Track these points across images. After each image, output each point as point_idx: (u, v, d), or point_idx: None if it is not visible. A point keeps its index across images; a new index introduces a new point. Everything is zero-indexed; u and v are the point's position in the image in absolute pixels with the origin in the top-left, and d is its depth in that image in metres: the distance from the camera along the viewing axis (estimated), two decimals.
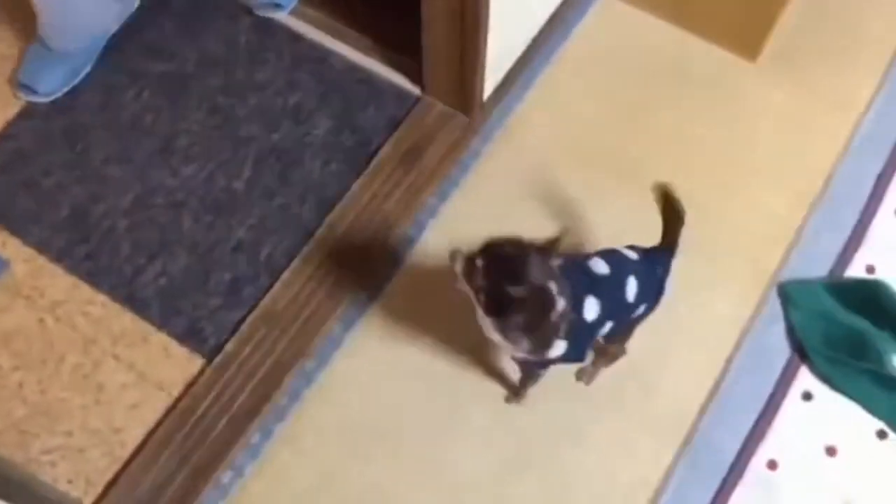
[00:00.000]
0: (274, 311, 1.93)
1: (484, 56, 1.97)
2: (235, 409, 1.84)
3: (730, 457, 1.81)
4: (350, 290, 1.95)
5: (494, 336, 1.51)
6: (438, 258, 1.99)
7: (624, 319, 1.61)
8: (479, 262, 1.45)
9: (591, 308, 1.52)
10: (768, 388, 1.87)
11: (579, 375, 1.85)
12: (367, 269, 1.98)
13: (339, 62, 2.20)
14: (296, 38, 2.23)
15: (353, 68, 2.19)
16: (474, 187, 2.07)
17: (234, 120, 2.12)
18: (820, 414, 1.85)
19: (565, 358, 1.56)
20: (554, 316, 1.45)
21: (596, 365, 1.83)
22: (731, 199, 2.05)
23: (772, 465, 1.80)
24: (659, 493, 1.77)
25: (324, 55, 2.21)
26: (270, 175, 2.07)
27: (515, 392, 1.82)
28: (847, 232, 2.02)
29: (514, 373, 1.80)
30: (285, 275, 1.97)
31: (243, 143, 2.10)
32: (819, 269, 1.98)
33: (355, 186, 2.06)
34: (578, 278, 1.51)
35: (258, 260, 1.98)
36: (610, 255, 1.60)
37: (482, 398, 1.85)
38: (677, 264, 1.96)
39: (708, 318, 1.92)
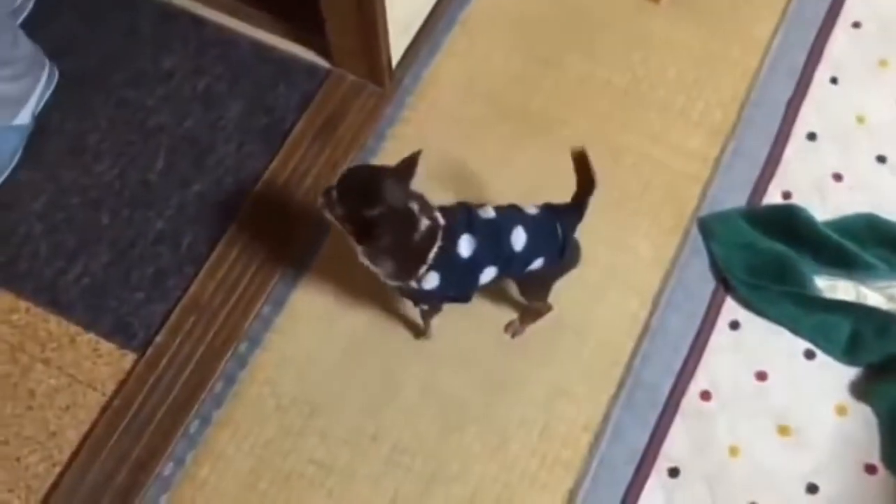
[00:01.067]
0: (201, 299, 1.92)
1: (385, 23, 1.96)
2: (171, 400, 1.83)
3: (664, 393, 1.84)
4: (276, 270, 1.95)
5: (366, 262, 1.55)
6: None
7: (513, 268, 1.61)
8: (334, 192, 1.49)
9: (466, 245, 1.53)
10: (696, 322, 1.89)
11: (506, 328, 1.87)
12: (291, 247, 1.97)
13: (245, 43, 2.18)
14: (199, 22, 2.20)
15: (260, 48, 2.17)
16: (391, 155, 2.06)
17: (143, 111, 2.09)
18: (748, 341, 1.88)
19: (444, 292, 1.58)
20: (416, 236, 1.48)
21: (522, 320, 1.85)
22: (644, 140, 2.06)
23: (705, 395, 1.83)
24: (599, 435, 1.80)
25: (229, 38, 2.18)
26: (185, 163, 2.05)
27: (417, 329, 1.85)
28: (761, 161, 2.04)
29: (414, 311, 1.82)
30: (209, 261, 1.95)
31: (154, 134, 2.07)
32: (737, 199, 2.01)
33: (272, 166, 2.05)
34: (458, 216, 1.54)
35: (180, 250, 1.96)
36: (504, 207, 1.61)
37: (416, 361, 1.86)
38: (597, 211, 2.00)
39: (632, 261, 1.94)
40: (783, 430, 1.80)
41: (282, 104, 2.11)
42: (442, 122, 2.10)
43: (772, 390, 1.83)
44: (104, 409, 1.82)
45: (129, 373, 1.85)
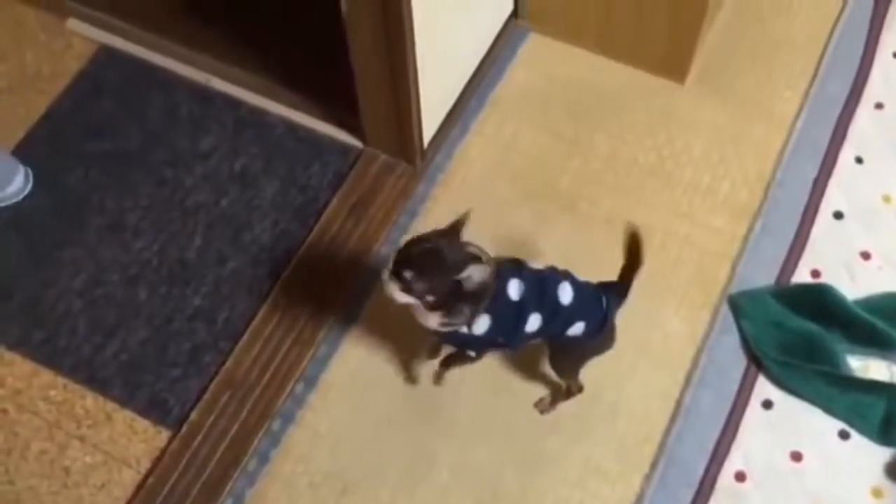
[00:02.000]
0: (236, 376, 1.94)
1: (418, 104, 2.02)
2: (205, 478, 1.84)
3: (698, 473, 1.83)
4: (309, 347, 1.97)
5: (430, 320, 1.57)
6: (395, 305, 2.02)
7: (556, 323, 1.63)
8: (408, 273, 1.51)
9: (515, 288, 1.57)
10: (729, 400, 1.89)
11: (536, 405, 1.87)
12: (324, 324, 2.00)
13: (280, 123, 2.24)
14: (235, 104, 2.27)
15: (295, 128, 2.23)
16: (423, 231, 2.10)
17: (181, 190, 2.15)
18: (782, 420, 1.87)
19: (494, 337, 1.60)
20: (487, 282, 1.51)
21: (553, 398, 1.86)
22: (672, 218, 2.09)
23: (740, 476, 1.82)
24: None
25: (264, 118, 2.25)
26: (222, 241, 2.09)
27: (439, 373, 1.85)
28: (789, 239, 2.06)
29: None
30: (244, 338, 1.98)
31: (192, 212, 2.12)
32: (766, 277, 2.02)
33: (307, 244, 2.09)
34: (507, 265, 1.60)
35: (216, 326, 1.99)
36: (553, 267, 1.67)
37: (448, 437, 1.87)
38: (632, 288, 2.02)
39: (663, 338, 1.95)
40: None
41: (315, 183, 2.16)
42: (472, 200, 2.14)
43: (807, 471, 1.82)
44: (139, 487, 1.83)
45: (164, 450, 1.86)
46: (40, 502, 1.82)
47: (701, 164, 2.16)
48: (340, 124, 2.23)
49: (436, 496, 1.82)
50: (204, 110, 2.25)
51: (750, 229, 2.07)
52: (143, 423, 1.89)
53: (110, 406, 1.91)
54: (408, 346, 1.96)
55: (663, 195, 2.12)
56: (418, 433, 1.88)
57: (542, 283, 1.61)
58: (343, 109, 2.19)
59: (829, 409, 1.87)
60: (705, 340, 1.96)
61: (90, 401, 1.91)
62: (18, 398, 1.91)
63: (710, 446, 1.84)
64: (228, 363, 1.95)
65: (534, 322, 1.61)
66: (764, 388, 1.90)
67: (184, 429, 1.88)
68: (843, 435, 1.86)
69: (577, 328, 1.64)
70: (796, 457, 1.84)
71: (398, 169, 2.18)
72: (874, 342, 1.90)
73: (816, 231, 2.06)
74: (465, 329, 1.58)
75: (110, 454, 1.86)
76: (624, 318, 1.96)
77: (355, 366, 1.95)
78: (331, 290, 2.03)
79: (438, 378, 1.87)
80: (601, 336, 1.67)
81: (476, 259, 1.52)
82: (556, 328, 1.64)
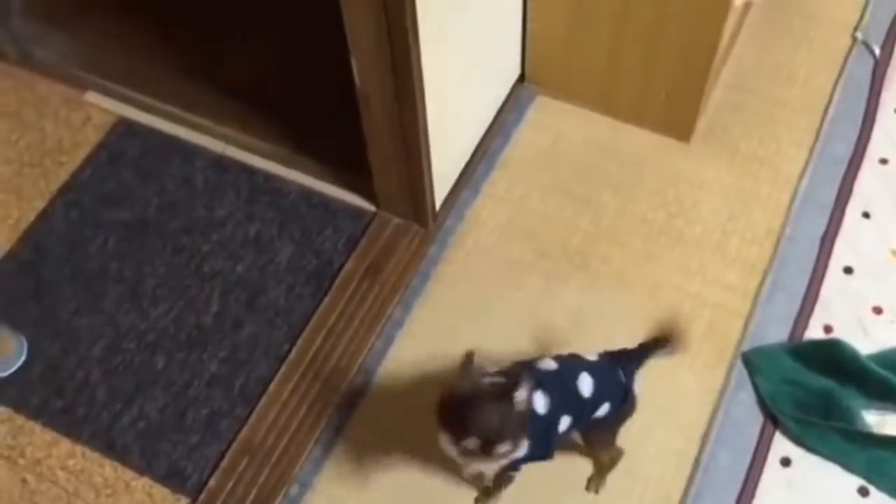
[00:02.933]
0: (253, 441, 1.95)
1: (430, 168, 2.06)
2: None
3: None
4: (326, 411, 1.98)
5: (493, 469, 1.53)
6: (409, 368, 2.03)
7: (584, 415, 1.64)
8: (471, 442, 1.45)
9: (540, 401, 1.55)
10: (747, 458, 1.89)
11: (588, 486, 1.85)
12: (341, 388, 2.01)
13: (294, 189, 2.28)
14: (250, 171, 2.31)
15: (308, 193, 2.28)
16: (436, 294, 2.13)
17: (198, 257, 2.18)
18: (801, 478, 1.87)
19: (532, 454, 1.57)
20: (518, 406, 1.47)
21: (600, 473, 1.84)
22: (682, 275, 2.11)
23: None
24: None
25: (279, 185, 2.29)
26: (237, 306, 2.12)
27: (489, 495, 1.82)
28: (800, 295, 2.08)
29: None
30: (261, 403, 1.99)
31: (208, 279, 2.15)
32: (778, 334, 2.03)
33: (321, 307, 2.11)
34: (525, 378, 1.52)
35: (233, 391, 2.01)
36: (563, 356, 1.66)
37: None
38: None
39: (678, 397, 1.96)
40: None
41: (330, 247, 2.20)
42: (484, 261, 2.17)
43: None
44: None
45: None
46: None
47: (710, 221, 2.19)
48: (353, 189, 2.27)
49: None
50: (220, 178, 2.30)
51: (761, 285, 2.09)
52: (161, 491, 1.89)
53: (129, 474, 1.91)
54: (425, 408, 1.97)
55: (674, 253, 2.15)
56: (437, 497, 1.88)
57: (563, 384, 1.59)
58: (356, 175, 2.23)
59: (847, 466, 1.87)
60: (720, 398, 1.96)
61: (109, 469, 1.92)
62: (38, 468, 1.92)
63: None
64: (245, 429, 1.96)
65: (564, 424, 1.60)
66: (782, 445, 1.90)
67: (202, 496, 1.88)
68: (863, 492, 1.85)
69: (604, 410, 1.64)
70: None
71: (411, 232, 2.21)
72: (890, 397, 1.90)
73: (827, 287, 2.08)
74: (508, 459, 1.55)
75: None
76: (638, 377, 1.97)
77: (373, 429, 1.96)
78: (348, 353, 2.05)
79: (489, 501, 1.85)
80: (625, 407, 1.68)
81: (507, 387, 1.48)
82: (584, 419, 1.65)
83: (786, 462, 1.88)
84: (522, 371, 1.55)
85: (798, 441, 1.89)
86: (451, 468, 1.89)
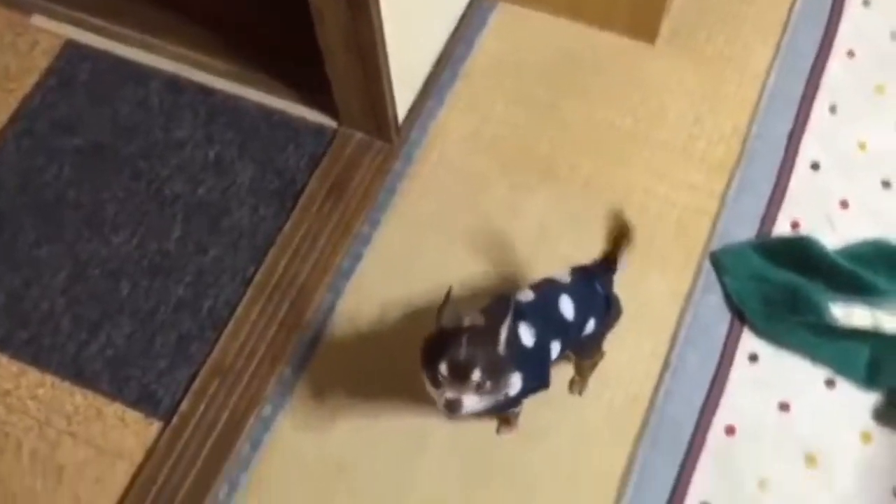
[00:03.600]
0: (223, 363, 1.94)
1: (390, 80, 2.01)
2: (199, 466, 1.84)
3: (688, 430, 1.84)
4: (295, 332, 1.97)
5: (473, 404, 1.48)
6: (377, 284, 2.02)
7: (572, 337, 1.62)
8: (477, 375, 1.42)
9: (526, 333, 1.52)
10: (715, 357, 1.90)
11: (571, 388, 1.86)
12: (309, 307, 1.99)
13: (252, 108, 2.22)
14: (207, 91, 2.25)
15: (268, 112, 2.22)
16: (403, 209, 2.10)
17: (157, 181, 2.14)
18: (768, 373, 1.89)
19: (527, 388, 1.56)
20: (500, 349, 1.45)
21: (582, 375, 1.84)
22: (650, 179, 2.09)
23: (730, 430, 1.84)
24: (625, 479, 1.80)
25: (237, 104, 2.23)
26: (201, 230, 2.08)
27: (506, 422, 1.82)
28: (768, 193, 2.06)
29: None
30: (230, 325, 1.98)
31: (169, 203, 2.11)
32: (746, 232, 2.03)
33: (286, 228, 2.08)
34: (505, 310, 1.49)
35: (201, 315, 1.99)
36: (538, 284, 1.63)
37: (440, 417, 1.87)
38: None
39: (647, 300, 1.96)
40: (810, 461, 1.80)
41: (292, 166, 2.15)
42: (450, 174, 2.14)
43: (796, 421, 1.84)
44: (134, 479, 1.83)
45: (157, 441, 1.86)
46: (36, 501, 1.82)
47: (676, 123, 2.15)
48: (314, 106, 2.22)
49: (428, 473, 1.83)
50: (176, 100, 2.23)
51: (728, 185, 2.07)
52: (133, 416, 1.89)
53: (100, 401, 1.91)
54: (394, 324, 1.96)
55: (641, 157, 2.12)
56: (409, 413, 1.88)
57: (545, 312, 1.57)
58: (316, 91, 2.17)
59: (814, 359, 1.88)
60: (689, 299, 1.96)
61: (79, 397, 1.91)
62: (7, 399, 1.91)
63: (699, 403, 1.85)
64: (215, 352, 1.95)
65: (555, 350, 1.59)
66: (749, 342, 1.91)
67: (174, 419, 1.88)
68: (830, 383, 1.87)
69: (590, 327, 1.64)
70: (784, 407, 1.85)
71: (374, 147, 2.17)
72: (856, 290, 1.91)
73: (794, 183, 2.07)
74: (502, 396, 1.52)
75: (102, 448, 1.86)
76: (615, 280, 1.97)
77: (342, 346, 1.95)
78: (315, 272, 2.03)
79: (506, 431, 1.84)
80: (610, 315, 1.68)
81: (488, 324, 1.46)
82: (573, 340, 1.64)
83: (753, 358, 1.90)
84: (501, 306, 1.50)
85: (765, 337, 1.91)
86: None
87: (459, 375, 1.42)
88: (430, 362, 1.45)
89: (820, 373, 1.88)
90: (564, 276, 1.65)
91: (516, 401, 1.64)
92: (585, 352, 1.78)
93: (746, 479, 1.79)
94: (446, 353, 1.42)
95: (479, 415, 1.55)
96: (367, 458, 1.84)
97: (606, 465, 1.82)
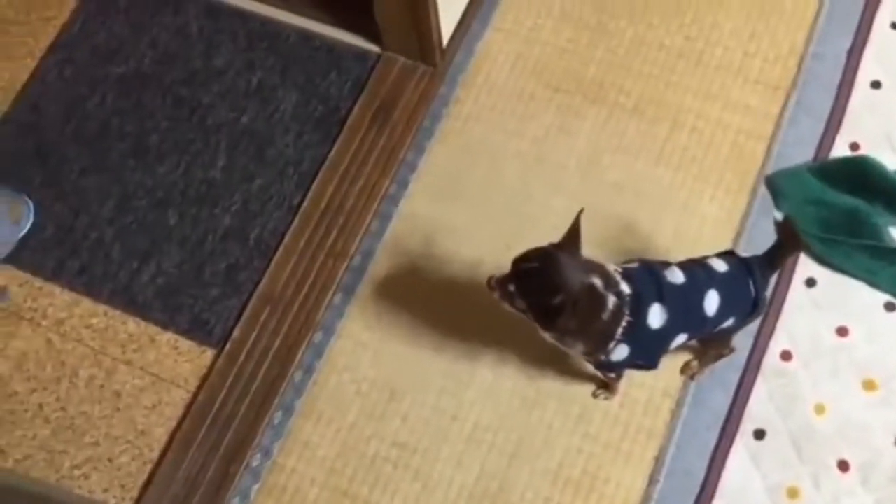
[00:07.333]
0: (274, 292, 1.94)
1: (434, 1, 1.95)
2: (253, 392, 1.86)
3: (744, 355, 1.82)
4: (343, 258, 1.96)
5: (555, 342, 1.49)
6: (424, 211, 2.00)
7: (701, 332, 1.56)
8: (512, 286, 1.42)
9: (656, 315, 1.46)
10: (772, 281, 1.86)
11: (683, 370, 1.81)
12: (358, 234, 1.98)
13: (293, 33, 2.18)
14: (246, 17, 2.20)
15: (309, 37, 2.17)
16: (449, 135, 2.06)
17: (200, 109, 2.11)
18: (826, 297, 1.86)
19: (633, 363, 1.53)
20: (604, 315, 1.42)
21: (703, 363, 1.78)
22: (703, 101, 2.03)
23: (786, 355, 1.81)
24: (680, 401, 1.80)
25: (277, 29, 2.18)
26: (246, 158, 2.06)
27: (604, 387, 1.79)
28: (826, 114, 2.00)
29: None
30: (278, 253, 1.97)
31: (213, 131, 2.09)
32: (803, 155, 1.97)
33: (332, 154, 2.06)
34: (646, 284, 1.46)
35: (248, 244, 1.99)
36: (691, 266, 1.53)
37: (489, 340, 1.87)
38: (661, 176, 1.98)
39: (700, 224, 1.92)
40: (868, 385, 1.78)
41: (335, 92, 2.11)
42: (497, 98, 2.09)
43: (854, 345, 1.81)
44: (189, 406, 1.86)
45: (210, 368, 1.88)
46: (94, 426, 1.85)
47: (731, 42, 2.08)
48: (356, 30, 2.16)
49: (483, 396, 1.83)
50: (214, 26, 2.19)
51: (785, 106, 2.01)
52: (186, 344, 1.90)
53: (152, 329, 1.92)
54: (441, 251, 1.95)
55: (693, 78, 2.06)
56: (458, 339, 1.88)
57: (686, 301, 1.48)
58: (358, 14, 2.12)
59: (873, 283, 1.85)
60: (744, 224, 1.92)
61: (132, 325, 1.92)
62: (62, 328, 1.93)
63: (755, 328, 1.83)
64: (265, 280, 1.95)
65: (678, 340, 1.53)
66: (807, 266, 1.88)
67: (227, 346, 1.89)
68: (889, 307, 1.84)
69: (727, 324, 1.56)
70: (842, 332, 1.82)
71: (418, 71, 2.12)
72: None
73: (854, 103, 2.00)
74: (602, 357, 1.50)
75: (158, 376, 1.88)
76: (658, 207, 1.94)
77: (391, 275, 1.94)
78: (362, 198, 2.01)
79: (602, 396, 1.81)
80: (752, 317, 1.60)
81: (597, 288, 1.41)
82: (701, 334, 1.58)
83: (811, 283, 1.86)
84: (645, 278, 1.45)
85: (823, 261, 1.87)
86: (474, 307, 1.89)
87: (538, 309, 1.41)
88: (515, 275, 1.42)
89: (879, 297, 1.84)
90: (720, 265, 1.53)
91: (615, 367, 1.60)
92: (711, 344, 1.70)
93: (803, 404, 1.78)
94: (531, 268, 1.40)
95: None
96: (419, 386, 1.85)
97: (659, 387, 1.81)
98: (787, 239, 1.57)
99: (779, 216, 1.82)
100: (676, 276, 1.49)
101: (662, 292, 1.45)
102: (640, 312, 1.44)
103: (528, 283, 1.41)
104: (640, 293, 1.44)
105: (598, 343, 1.47)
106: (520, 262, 1.43)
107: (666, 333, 1.49)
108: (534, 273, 1.41)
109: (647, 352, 1.52)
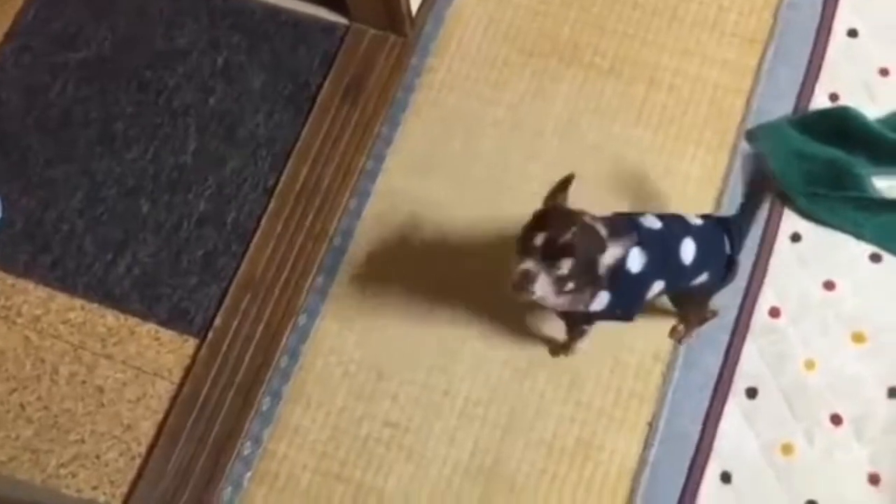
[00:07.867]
0: (253, 276, 1.90)
1: None
2: (239, 379, 1.83)
3: (732, 313, 1.81)
4: (324, 238, 1.92)
5: (543, 290, 1.42)
6: (402, 185, 1.96)
7: (678, 283, 1.54)
8: (566, 263, 1.37)
9: (636, 259, 1.45)
10: (756, 237, 1.85)
11: (671, 334, 1.80)
12: (336, 212, 1.94)
13: (257, 9, 2.11)
14: None
15: (274, 12, 2.11)
16: (423, 105, 2.02)
17: (166, 92, 2.05)
18: (812, 251, 1.85)
19: (611, 311, 1.51)
20: (603, 256, 1.40)
21: (688, 326, 1.77)
22: (679, 57, 2.00)
23: (774, 312, 1.81)
24: (671, 364, 1.79)
25: (240, 6, 2.12)
26: (216, 140, 2.01)
27: (563, 346, 1.78)
28: (804, 64, 1.98)
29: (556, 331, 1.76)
30: (256, 237, 1.93)
31: (181, 114, 2.03)
32: (783, 107, 1.95)
33: (304, 133, 2.01)
34: (626, 230, 1.44)
35: (225, 228, 1.94)
36: (667, 215, 1.54)
37: (474, 325, 1.84)
38: (640, 136, 1.95)
39: (681, 183, 1.90)
40: (858, 338, 1.78)
41: (304, 67, 2.06)
42: (470, 66, 2.04)
43: (841, 298, 1.80)
44: (174, 397, 1.82)
45: (194, 358, 1.84)
46: (78, 423, 1.82)
47: None
48: (322, 2, 2.10)
49: (472, 370, 1.81)
50: (175, 5, 2.12)
51: (762, 59, 1.98)
52: (167, 335, 1.87)
53: (132, 321, 1.88)
54: (423, 224, 1.91)
55: (669, 34, 2.02)
56: (443, 316, 1.85)
57: (664, 246, 1.48)
58: None
59: (858, 235, 1.84)
60: (726, 182, 1.90)
61: (111, 319, 1.88)
62: (38, 325, 1.88)
63: (742, 285, 1.82)
64: (244, 265, 1.91)
65: (656, 288, 1.52)
66: (791, 221, 1.87)
67: (210, 335, 1.86)
68: (874, 258, 1.83)
69: (701, 279, 1.54)
70: (829, 286, 1.82)
71: (389, 42, 2.07)
72: None
73: (831, 52, 1.98)
74: (582, 307, 1.48)
75: (140, 368, 1.84)
76: (639, 168, 1.91)
77: (374, 250, 1.91)
78: (338, 176, 1.96)
79: (562, 353, 1.80)
80: (725, 279, 1.58)
81: (611, 237, 1.39)
82: (678, 286, 1.56)
83: (796, 237, 1.85)
84: (624, 225, 1.44)
85: (807, 215, 1.86)
86: (458, 280, 1.86)
87: (550, 255, 1.36)
88: (531, 228, 1.38)
89: (865, 248, 1.84)
90: (695, 220, 1.54)
91: (592, 318, 1.58)
92: (684, 304, 1.69)
93: (793, 360, 1.77)
94: (552, 229, 1.36)
95: (545, 308, 1.51)
96: (408, 363, 1.82)
97: (649, 351, 1.80)
98: (754, 184, 1.57)
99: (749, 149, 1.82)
100: (653, 223, 1.51)
101: (640, 235, 1.46)
102: (622, 258, 1.44)
103: (540, 229, 1.38)
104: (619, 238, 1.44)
105: (588, 288, 1.44)
106: (552, 233, 1.38)
107: (645, 278, 1.49)
108: (544, 224, 1.38)
109: (627, 298, 1.51)
